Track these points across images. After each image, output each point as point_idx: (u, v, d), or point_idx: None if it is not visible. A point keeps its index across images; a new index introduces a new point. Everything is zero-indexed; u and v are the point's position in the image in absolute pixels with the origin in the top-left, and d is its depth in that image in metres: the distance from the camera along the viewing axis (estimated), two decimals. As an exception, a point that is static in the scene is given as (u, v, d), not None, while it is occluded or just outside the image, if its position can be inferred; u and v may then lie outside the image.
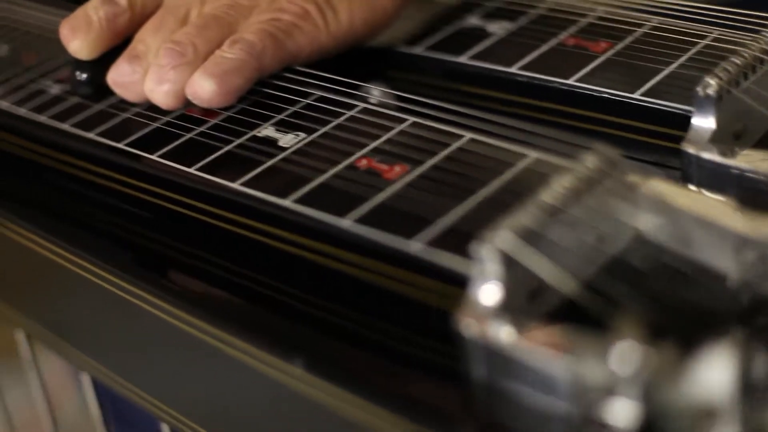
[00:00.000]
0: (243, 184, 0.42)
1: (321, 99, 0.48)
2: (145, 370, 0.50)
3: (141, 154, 0.47)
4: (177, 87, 0.47)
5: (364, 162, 0.42)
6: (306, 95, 0.49)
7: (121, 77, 0.49)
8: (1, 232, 0.53)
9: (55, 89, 0.56)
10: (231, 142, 0.46)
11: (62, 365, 0.71)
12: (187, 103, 0.48)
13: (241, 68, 0.47)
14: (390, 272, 0.37)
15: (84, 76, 0.52)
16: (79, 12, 0.51)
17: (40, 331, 0.58)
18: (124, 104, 0.52)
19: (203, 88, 0.46)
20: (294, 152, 0.44)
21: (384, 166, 0.42)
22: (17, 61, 0.61)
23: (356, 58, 0.53)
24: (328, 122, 0.46)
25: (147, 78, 0.48)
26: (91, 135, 0.50)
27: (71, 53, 0.51)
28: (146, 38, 0.50)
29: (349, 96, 0.48)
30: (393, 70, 0.54)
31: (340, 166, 0.42)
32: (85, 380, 0.57)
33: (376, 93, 0.49)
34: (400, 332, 0.37)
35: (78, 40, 0.51)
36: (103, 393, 0.56)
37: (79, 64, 0.52)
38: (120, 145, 0.48)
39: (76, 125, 0.51)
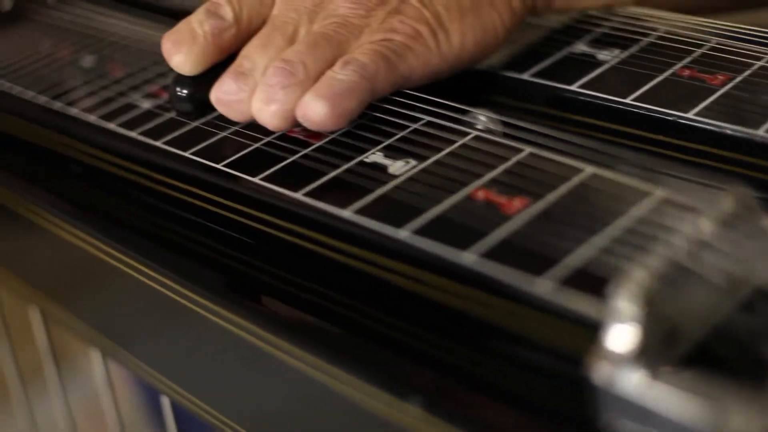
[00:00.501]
0: (355, 213, 0.41)
1: (430, 124, 0.47)
2: (233, 397, 0.49)
3: (242, 176, 0.46)
4: (286, 107, 0.46)
5: (481, 193, 0.41)
6: (414, 120, 0.47)
7: (226, 95, 0.48)
8: (88, 251, 0.52)
9: (146, 104, 0.55)
10: (337, 167, 0.45)
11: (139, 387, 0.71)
12: (293, 125, 0.47)
13: (354, 91, 0.45)
14: (514, 311, 0.36)
15: (185, 92, 0.50)
16: (183, 25, 0.50)
17: (118, 351, 0.57)
18: (220, 122, 0.51)
19: (315, 111, 0.45)
20: (405, 180, 0.43)
21: (503, 199, 0.40)
22: (104, 73, 0.61)
23: (459, 81, 0.52)
24: (439, 149, 0.45)
25: (254, 97, 0.47)
26: (186, 154, 0.49)
27: (173, 67, 0.50)
28: (253, 55, 0.48)
29: (460, 122, 0.47)
30: (499, 95, 0.53)
31: (457, 198, 0.41)
32: (166, 403, 0.56)
33: (486, 120, 0.48)
34: (526, 379, 0.35)
35: (181, 54, 0.49)
36: (182, 418, 0.56)
37: (180, 80, 0.50)
38: (218, 166, 0.47)
39: (170, 143, 0.50)
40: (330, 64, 0.46)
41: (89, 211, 0.53)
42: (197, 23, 0.50)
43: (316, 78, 0.46)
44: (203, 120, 0.51)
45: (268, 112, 0.46)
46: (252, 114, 0.47)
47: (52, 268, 0.62)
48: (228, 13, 0.50)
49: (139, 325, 0.54)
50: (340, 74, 0.46)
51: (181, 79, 0.50)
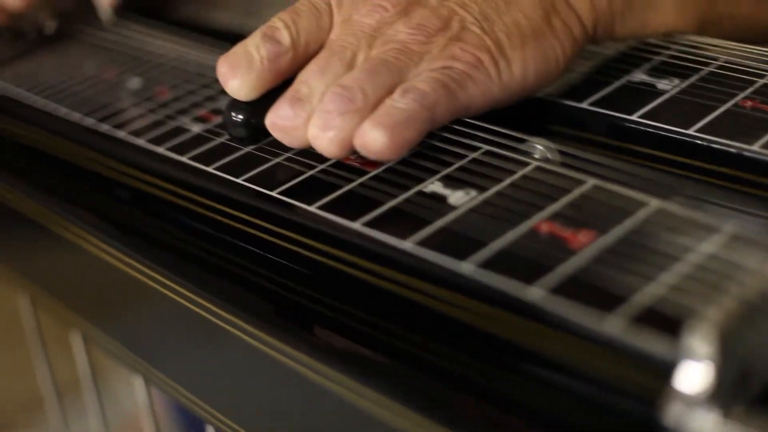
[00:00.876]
0: (416, 244, 0.41)
1: (489, 154, 0.46)
2: (280, 428, 0.48)
3: (297, 204, 0.46)
4: (344, 135, 0.45)
5: (545, 226, 0.40)
6: (473, 149, 0.47)
7: (282, 120, 0.47)
8: (134, 276, 0.52)
9: (196, 128, 0.55)
10: (396, 196, 0.44)
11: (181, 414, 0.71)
12: (350, 153, 0.46)
13: (414, 120, 0.45)
14: (583, 349, 0.35)
15: (240, 117, 0.49)
16: (239, 49, 0.49)
17: (161, 378, 0.57)
18: (273, 148, 0.50)
19: (374, 140, 0.44)
20: (466, 212, 0.42)
21: (567, 233, 0.40)
22: (151, 96, 0.61)
23: (517, 109, 0.51)
24: (499, 180, 0.44)
25: (311, 123, 0.46)
26: (238, 180, 0.49)
27: (229, 92, 0.49)
28: (310, 80, 0.47)
29: (519, 152, 0.47)
30: (557, 124, 0.52)
31: (520, 230, 0.40)
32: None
33: (546, 149, 0.47)
34: (595, 418, 0.35)
35: (238, 79, 0.49)
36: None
37: (235, 104, 0.50)
38: (272, 193, 0.47)
39: (221, 168, 0.50)
40: (389, 92, 0.46)
41: (136, 236, 0.53)
42: (254, 47, 0.49)
43: (375, 105, 0.45)
44: (255, 146, 0.51)
45: (325, 139, 0.45)
46: (308, 140, 0.46)
47: (95, 292, 0.62)
48: (285, 37, 0.49)
49: (183, 352, 0.54)
50: (400, 103, 0.45)
51: (236, 104, 0.49)
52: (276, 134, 0.48)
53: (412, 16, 0.48)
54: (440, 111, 0.46)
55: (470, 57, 0.47)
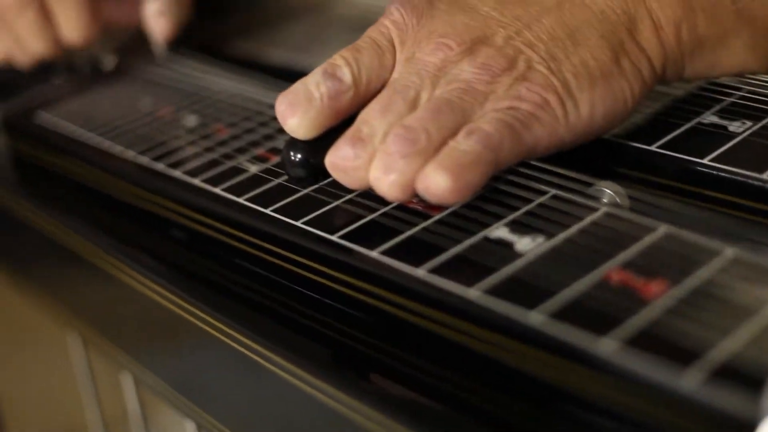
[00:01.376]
0: (482, 292, 0.40)
1: (557, 198, 0.46)
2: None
3: (358, 249, 0.45)
4: (406, 178, 0.44)
5: (616, 275, 0.39)
6: (539, 192, 0.46)
7: (342, 161, 0.46)
8: (188, 319, 0.52)
9: (253, 168, 0.55)
10: (460, 242, 0.44)
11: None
12: (412, 196, 0.45)
13: (478, 163, 0.44)
14: (658, 405, 0.34)
15: (299, 156, 0.49)
16: (299, 86, 0.49)
17: (214, 425, 0.56)
18: (333, 190, 0.50)
19: (437, 183, 0.43)
20: (534, 259, 0.42)
21: (639, 283, 0.39)
22: (208, 134, 0.61)
23: (583, 150, 0.50)
24: (567, 226, 0.43)
25: (373, 165, 0.45)
26: (297, 223, 0.48)
27: (288, 131, 0.49)
28: (372, 120, 0.47)
29: (587, 196, 0.46)
30: (625, 167, 0.51)
31: (590, 280, 0.39)
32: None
33: (615, 194, 0.46)
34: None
35: (297, 117, 0.48)
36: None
37: (294, 144, 0.49)
38: (333, 237, 0.46)
39: (279, 210, 0.50)
40: (453, 133, 0.45)
41: (190, 277, 0.53)
42: (314, 85, 0.48)
43: (439, 147, 0.44)
44: (314, 187, 0.50)
45: (386, 182, 0.44)
46: (369, 182, 0.46)
47: (146, 333, 0.62)
48: (346, 75, 0.48)
49: (236, 398, 0.53)
50: (464, 144, 0.44)
51: (295, 143, 0.49)
52: (336, 175, 0.47)
53: (477, 55, 0.48)
54: (505, 153, 0.45)
55: (536, 97, 0.46)
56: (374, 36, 0.50)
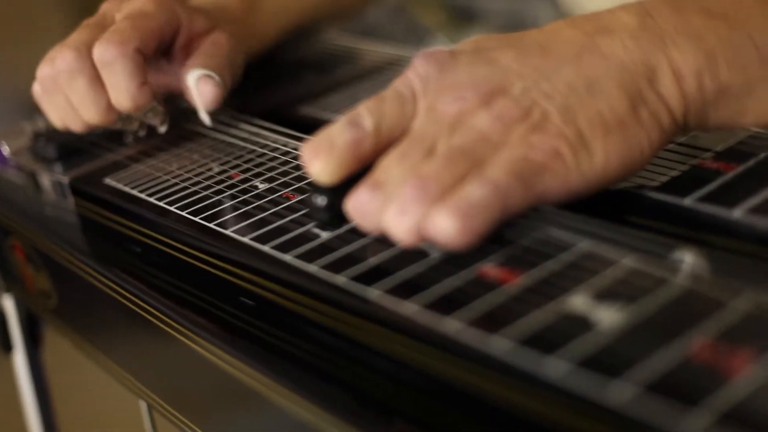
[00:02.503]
0: (557, 359, 0.40)
1: (633, 264, 0.45)
2: None
3: (432, 319, 0.45)
4: (416, 221, 0.47)
5: (700, 347, 0.39)
6: (615, 259, 0.46)
7: (360, 205, 0.49)
8: (255, 388, 0.52)
9: (324, 235, 0.55)
10: (535, 310, 0.43)
11: None
12: (424, 240, 0.48)
13: (484, 208, 0.46)
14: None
15: (323, 201, 0.52)
16: (323, 134, 0.52)
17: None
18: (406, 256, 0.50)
19: (444, 227, 0.46)
20: (614, 330, 0.41)
21: (725, 354, 0.38)
22: (276, 200, 0.61)
23: (663, 215, 0.50)
24: (647, 294, 0.43)
25: (387, 209, 0.48)
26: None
27: (312, 176, 0.52)
28: (389, 166, 0.49)
29: (666, 262, 0.45)
30: (703, 231, 0.51)
31: (674, 352, 0.39)
32: None
33: (693, 260, 0.46)
34: None
35: (320, 162, 0.51)
36: None
37: (318, 189, 0.52)
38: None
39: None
40: (462, 180, 0.47)
41: (259, 345, 0.53)
42: (337, 132, 0.51)
43: (447, 194, 0.47)
44: (387, 253, 0.51)
45: (398, 225, 0.47)
46: (384, 226, 0.48)
47: (213, 402, 0.62)
48: (368, 123, 0.51)
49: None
50: (472, 191, 0.46)
51: (319, 188, 0.52)
52: (354, 218, 0.50)
53: (494, 105, 0.50)
54: (513, 200, 0.47)
55: (548, 147, 0.48)
56: (398, 86, 0.53)
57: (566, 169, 0.48)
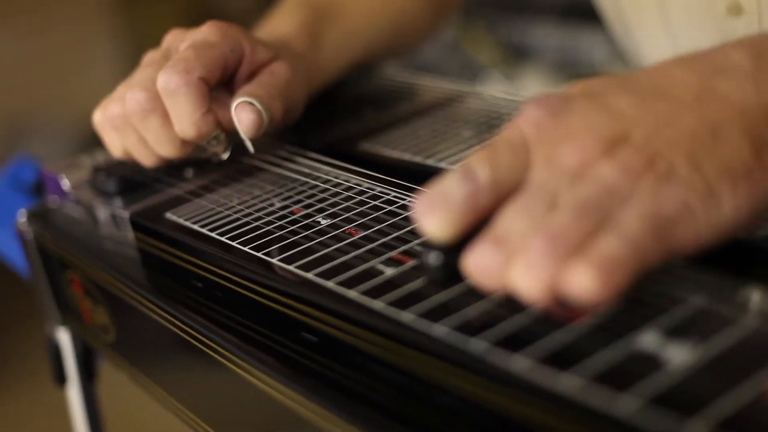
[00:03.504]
0: (631, 405, 0.40)
1: (701, 303, 0.46)
2: None
3: (497, 358, 0.46)
4: (548, 278, 0.44)
5: (773, 387, 0.39)
6: (683, 298, 0.46)
7: (481, 262, 0.47)
8: (306, 417, 0.52)
9: (389, 271, 0.56)
10: (605, 350, 0.44)
11: None
12: (554, 299, 0.45)
13: (624, 265, 0.44)
14: None
15: (438, 258, 0.49)
16: (437, 188, 0.49)
17: None
18: (472, 295, 0.51)
19: (584, 283, 0.43)
20: (685, 370, 0.42)
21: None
22: (338, 234, 0.62)
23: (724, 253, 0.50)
24: (716, 333, 0.43)
25: (513, 265, 0.46)
26: (438, 330, 0.49)
27: (426, 232, 0.49)
28: (511, 221, 0.47)
29: (734, 300, 0.45)
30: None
31: (747, 392, 0.39)
32: None
33: (761, 298, 0.46)
34: None
35: (435, 219, 0.49)
36: None
37: (433, 246, 0.50)
38: (473, 346, 0.47)
39: (422, 315, 0.51)
40: (594, 235, 0.45)
41: (318, 380, 0.54)
42: (452, 186, 0.49)
43: (581, 248, 0.45)
44: (449, 289, 0.51)
45: (529, 283, 0.45)
46: (508, 284, 0.46)
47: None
48: (484, 175, 0.49)
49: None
50: (609, 247, 0.44)
51: (433, 246, 0.50)
52: (475, 276, 0.47)
53: (616, 155, 0.48)
54: (650, 256, 0.45)
55: (679, 199, 0.46)
56: (510, 136, 0.50)
57: (697, 222, 0.46)
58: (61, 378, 0.94)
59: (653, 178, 0.47)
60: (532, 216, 0.47)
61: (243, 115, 0.74)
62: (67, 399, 0.96)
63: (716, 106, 0.49)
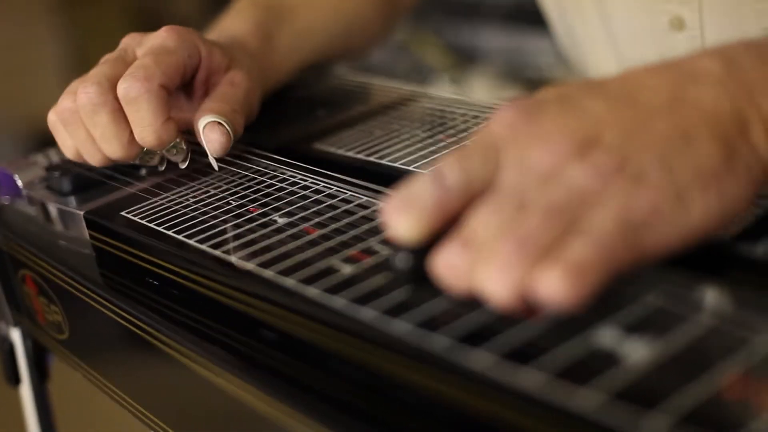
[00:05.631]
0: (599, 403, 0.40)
1: (658, 301, 0.46)
2: None
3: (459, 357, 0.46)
4: (517, 281, 0.44)
5: (732, 382, 0.40)
6: (641, 295, 0.47)
7: (450, 263, 0.47)
8: (262, 412, 0.52)
9: (347, 269, 0.56)
10: (564, 346, 0.44)
11: None
12: (521, 300, 0.45)
13: (594, 267, 0.44)
14: None
15: (406, 261, 0.50)
16: (407, 191, 0.49)
17: None
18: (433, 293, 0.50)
19: (554, 286, 0.43)
20: (643, 365, 0.42)
21: (757, 390, 0.39)
22: (296, 234, 0.62)
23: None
24: (672, 331, 0.44)
25: (481, 267, 0.46)
26: (398, 326, 0.49)
27: (395, 235, 0.49)
28: (480, 223, 0.47)
29: (691, 299, 0.46)
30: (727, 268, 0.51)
31: (705, 387, 0.40)
32: None
33: (715, 296, 0.46)
34: None
35: (406, 222, 0.49)
36: None
37: (400, 249, 0.50)
38: (436, 344, 0.47)
39: (378, 313, 0.50)
40: (563, 237, 0.45)
41: (279, 379, 0.54)
42: (421, 189, 0.49)
43: (550, 251, 0.45)
44: (412, 288, 0.51)
45: (497, 286, 0.45)
46: (476, 286, 0.46)
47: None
48: (455, 179, 0.49)
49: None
50: (579, 249, 0.44)
51: (401, 248, 0.50)
52: (443, 277, 0.47)
53: (587, 157, 0.48)
54: (620, 259, 0.45)
55: (649, 203, 0.46)
56: (482, 138, 0.50)
57: (667, 225, 0.46)
58: (15, 378, 0.93)
59: (623, 181, 0.47)
60: (502, 217, 0.47)
61: (213, 137, 0.74)
62: (19, 399, 0.95)
63: (687, 111, 0.49)
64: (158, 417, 0.70)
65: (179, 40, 0.76)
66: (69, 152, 0.78)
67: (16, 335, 0.92)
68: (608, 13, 0.86)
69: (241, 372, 0.56)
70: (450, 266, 0.47)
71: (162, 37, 0.77)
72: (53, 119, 0.77)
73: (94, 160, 0.77)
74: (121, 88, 0.72)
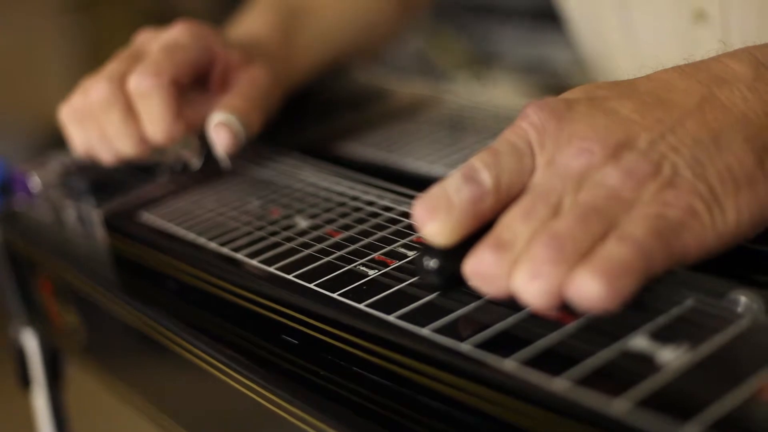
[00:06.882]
0: (626, 407, 0.40)
1: (693, 307, 0.46)
2: None
3: (490, 360, 0.45)
4: (553, 284, 0.44)
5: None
6: (675, 301, 0.46)
7: (483, 267, 0.46)
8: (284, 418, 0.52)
9: (371, 272, 0.55)
10: (598, 352, 0.44)
11: None
12: (558, 304, 0.45)
13: (630, 270, 0.43)
14: None
15: (436, 263, 0.49)
16: (438, 191, 0.49)
17: None
18: (461, 297, 0.50)
19: (590, 290, 0.43)
20: (677, 372, 0.42)
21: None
22: (319, 237, 0.62)
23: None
24: (708, 336, 0.43)
25: (516, 271, 0.45)
26: (424, 331, 0.48)
27: (426, 236, 0.49)
28: (514, 225, 0.47)
29: (726, 305, 0.46)
30: (761, 273, 0.51)
31: (740, 394, 0.39)
32: None
33: (751, 302, 0.46)
34: None
35: (436, 223, 0.48)
36: None
37: (430, 250, 0.49)
38: (463, 348, 0.47)
39: (405, 317, 0.50)
40: (599, 239, 0.45)
41: (304, 385, 0.53)
42: (453, 189, 0.48)
43: (585, 254, 0.44)
44: (437, 294, 0.51)
45: (532, 288, 0.44)
46: (510, 290, 0.45)
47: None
48: (486, 179, 0.49)
49: None
50: (615, 252, 0.44)
51: (431, 250, 0.49)
52: (475, 282, 0.47)
53: (620, 159, 0.47)
54: (655, 261, 0.44)
55: (684, 204, 0.46)
56: (512, 139, 0.50)
57: (702, 228, 0.46)
58: (24, 381, 0.93)
59: (658, 183, 0.47)
60: (537, 221, 0.46)
61: (218, 136, 0.74)
62: (32, 403, 0.95)
63: (718, 114, 0.49)
64: (176, 421, 0.70)
65: (192, 36, 0.76)
66: (80, 149, 0.78)
67: (28, 337, 0.92)
68: (629, 6, 0.86)
69: (261, 377, 0.55)
70: (483, 270, 0.46)
71: (175, 33, 0.77)
72: (65, 116, 0.77)
73: (105, 157, 0.77)
74: (132, 83, 0.72)
